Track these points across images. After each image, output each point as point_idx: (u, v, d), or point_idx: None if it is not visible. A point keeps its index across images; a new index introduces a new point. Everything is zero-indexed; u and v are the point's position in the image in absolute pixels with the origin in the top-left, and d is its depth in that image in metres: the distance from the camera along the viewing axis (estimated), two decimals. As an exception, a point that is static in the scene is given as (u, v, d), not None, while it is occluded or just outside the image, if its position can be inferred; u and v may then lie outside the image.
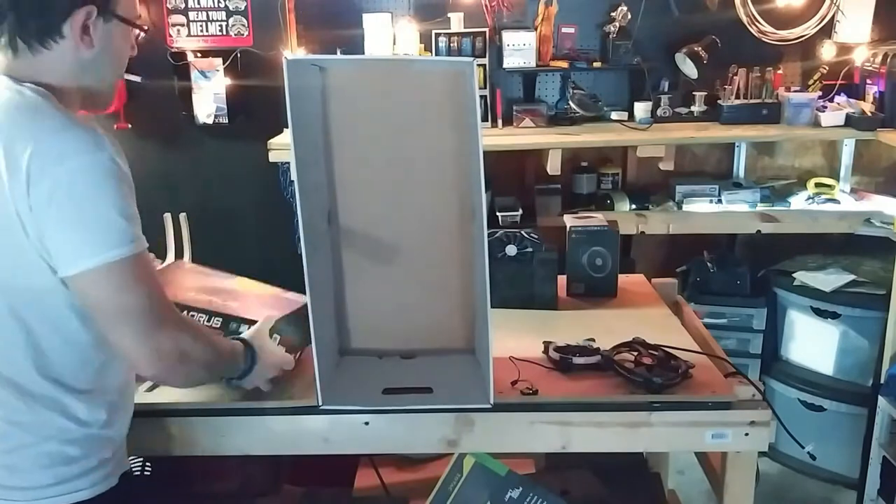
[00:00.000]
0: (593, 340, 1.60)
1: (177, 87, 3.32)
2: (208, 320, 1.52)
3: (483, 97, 3.35)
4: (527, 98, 3.47)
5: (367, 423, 1.40)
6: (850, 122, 3.11)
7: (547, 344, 1.59)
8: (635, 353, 1.52)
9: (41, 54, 1.19)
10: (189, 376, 1.29)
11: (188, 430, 1.44)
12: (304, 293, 1.35)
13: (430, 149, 1.49)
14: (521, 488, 1.48)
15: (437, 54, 3.30)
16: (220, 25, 3.30)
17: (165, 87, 3.32)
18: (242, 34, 3.30)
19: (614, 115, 3.37)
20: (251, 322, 1.49)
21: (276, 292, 1.68)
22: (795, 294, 3.02)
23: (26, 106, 1.16)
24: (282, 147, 2.98)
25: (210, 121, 3.31)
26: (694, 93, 3.35)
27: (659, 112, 3.32)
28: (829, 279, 2.94)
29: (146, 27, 1.34)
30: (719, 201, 3.31)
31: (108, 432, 1.27)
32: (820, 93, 3.25)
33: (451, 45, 3.31)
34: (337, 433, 1.43)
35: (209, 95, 3.28)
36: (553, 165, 3.14)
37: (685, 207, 3.31)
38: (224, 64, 3.26)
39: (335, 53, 3.02)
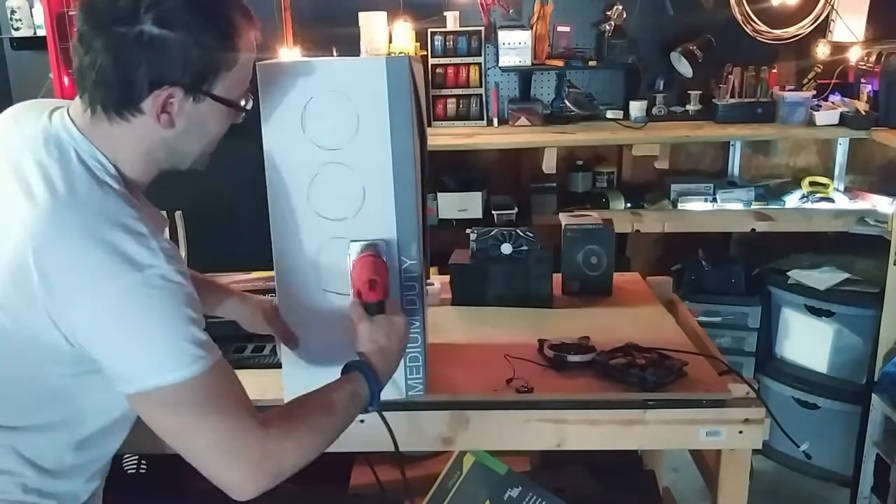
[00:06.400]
0: (588, 338, 1.60)
1: (172, 85, 3.32)
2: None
3: (479, 96, 3.36)
4: (522, 97, 3.48)
5: (362, 421, 1.39)
6: (844, 120, 3.12)
7: (542, 342, 1.59)
8: (629, 358, 1.52)
9: (118, 125, 1.09)
10: (304, 459, 1.14)
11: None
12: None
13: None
14: (520, 487, 1.48)
15: (432, 53, 3.30)
16: (216, 23, 3.29)
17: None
18: (238, 32, 3.29)
19: (610, 114, 3.38)
20: None
21: None
22: (790, 292, 3.02)
23: (77, 202, 1.04)
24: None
25: (205, 119, 3.31)
26: (689, 91, 3.36)
27: (654, 111, 3.33)
28: (823, 277, 2.95)
29: (248, 107, 1.17)
30: (714, 200, 3.32)
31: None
32: (814, 92, 3.26)
33: (447, 43, 3.32)
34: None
35: (204, 93, 3.28)
36: (548, 164, 3.14)
37: (680, 206, 3.32)
38: (219, 62, 3.25)
39: (331, 52, 3.01)
